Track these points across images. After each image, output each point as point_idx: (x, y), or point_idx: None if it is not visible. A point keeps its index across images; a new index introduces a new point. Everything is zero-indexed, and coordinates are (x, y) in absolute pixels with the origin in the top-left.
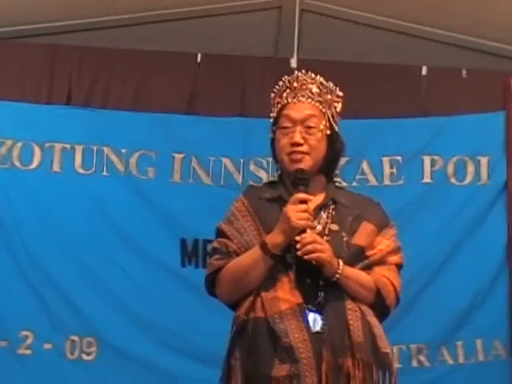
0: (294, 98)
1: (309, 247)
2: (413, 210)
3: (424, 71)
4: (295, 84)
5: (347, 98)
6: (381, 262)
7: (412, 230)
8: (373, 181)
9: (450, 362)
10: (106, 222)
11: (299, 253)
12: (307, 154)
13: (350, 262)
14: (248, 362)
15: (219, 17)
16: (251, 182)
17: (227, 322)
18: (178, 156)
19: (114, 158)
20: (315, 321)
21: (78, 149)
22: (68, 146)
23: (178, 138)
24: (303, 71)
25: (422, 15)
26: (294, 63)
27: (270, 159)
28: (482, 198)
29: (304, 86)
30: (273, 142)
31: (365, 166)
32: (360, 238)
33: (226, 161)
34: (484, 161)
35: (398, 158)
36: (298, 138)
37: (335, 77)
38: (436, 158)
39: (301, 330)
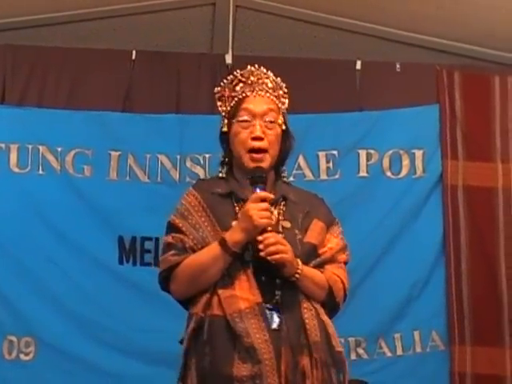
0: (252, 91)
1: (272, 249)
2: (349, 204)
3: (358, 65)
4: (252, 78)
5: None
6: (331, 260)
7: (349, 224)
8: (309, 175)
9: (389, 354)
10: (42, 220)
11: (262, 254)
12: (266, 151)
13: (304, 261)
14: (205, 361)
15: (154, 14)
16: (188, 179)
17: (165, 320)
18: (115, 154)
19: (49, 156)
20: (272, 319)
21: (13, 148)
22: (3, 145)
23: (113, 135)
24: (256, 66)
25: (355, 10)
26: (229, 59)
27: (207, 155)
28: (417, 191)
29: (260, 81)
30: (224, 135)
31: (301, 160)
32: (312, 236)
33: (162, 158)
34: (419, 154)
35: (334, 152)
36: (259, 132)
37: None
38: (371, 151)
39: (261, 329)
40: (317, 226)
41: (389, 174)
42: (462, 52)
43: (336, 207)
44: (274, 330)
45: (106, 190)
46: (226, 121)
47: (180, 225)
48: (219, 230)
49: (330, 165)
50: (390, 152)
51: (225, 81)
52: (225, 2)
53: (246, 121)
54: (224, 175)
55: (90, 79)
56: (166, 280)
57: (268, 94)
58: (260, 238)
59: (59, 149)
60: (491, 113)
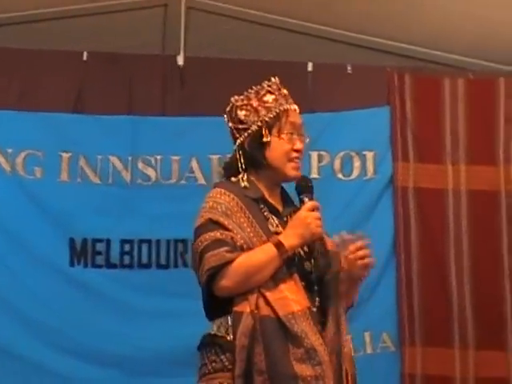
0: (290, 104)
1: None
2: None
3: (310, 67)
4: (284, 91)
5: (234, 95)
6: None
7: None
8: None
9: None
10: None
11: (361, 262)
12: (301, 160)
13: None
14: (262, 359)
15: (106, 15)
16: (140, 180)
17: (116, 322)
18: (66, 155)
19: None
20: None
21: None
22: None
23: (65, 137)
24: (277, 78)
25: (307, 12)
26: (180, 61)
27: (159, 157)
28: (368, 193)
29: (288, 94)
30: (257, 144)
31: None
32: (329, 244)
33: (113, 159)
34: (370, 155)
35: None
36: (300, 146)
37: (222, 74)
38: (323, 153)
39: (315, 333)
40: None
41: (340, 175)
42: (413, 54)
43: None
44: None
45: (57, 191)
46: (266, 131)
47: (226, 222)
48: (260, 232)
49: None
50: (342, 154)
51: (249, 90)
52: (176, 4)
53: (291, 133)
54: (247, 184)
55: (41, 80)
56: (212, 276)
57: (297, 108)
58: (353, 248)
59: (9, 150)
60: (441, 115)
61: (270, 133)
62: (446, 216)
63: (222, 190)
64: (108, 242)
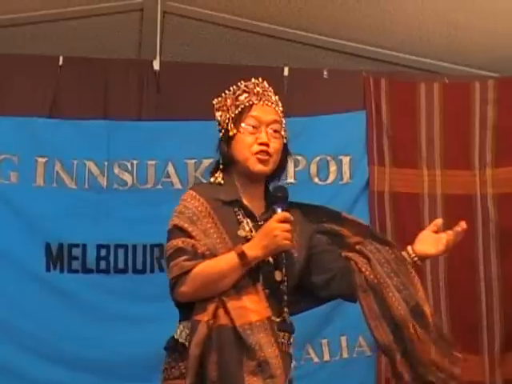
0: (259, 100)
1: None
2: None
3: (286, 72)
4: (257, 89)
5: (210, 100)
6: None
7: None
8: None
9: (316, 359)
10: None
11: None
12: (271, 156)
13: None
14: (214, 369)
15: (82, 19)
16: (116, 185)
17: (92, 327)
18: (41, 160)
19: None
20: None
21: None
22: None
23: (40, 141)
24: (260, 79)
25: (283, 17)
26: (156, 65)
27: (135, 162)
28: (344, 197)
29: (265, 92)
30: (228, 139)
31: None
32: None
33: (89, 164)
34: (346, 160)
35: None
36: (265, 139)
37: (198, 79)
38: (299, 158)
39: (271, 344)
40: None
41: (316, 180)
42: (389, 59)
43: None
44: (282, 343)
45: (33, 196)
46: (231, 125)
47: (190, 229)
48: (226, 238)
49: None
50: (318, 158)
51: (227, 92)
52: (152, 8)
53: (253, 126)
54: (222, 181)
55: (16, 85)
56: (175, 284)
57: (274, 106)
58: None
59: None
60: (417, 119)
61: (235, 127)
62: (421, 220)
63: (194, 194)
64: (84, 246)
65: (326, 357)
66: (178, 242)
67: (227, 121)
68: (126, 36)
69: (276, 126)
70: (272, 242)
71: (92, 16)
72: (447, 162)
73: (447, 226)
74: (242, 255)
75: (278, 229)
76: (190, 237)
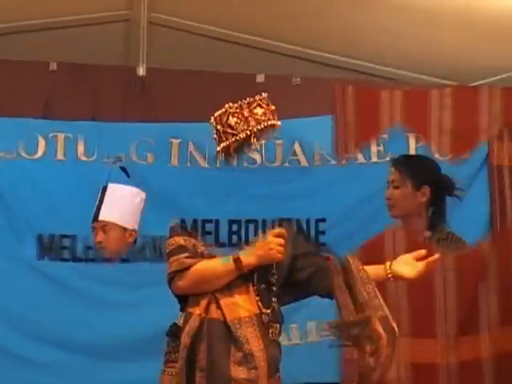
0: (276, 121)
1: None
2: None
3: (259, 79)
4: (272, 107)
5: (192, 104)
6: None
7: None
8: None
9: (284, 343)
10: None
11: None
12: None
13: None
14: (203, 358)
15: (71, 28)
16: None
17: (81, 311)
18: None
19: None
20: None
21: None
22: None
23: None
24: (265, 93)
25: (259, 28)
26: (141, 72)
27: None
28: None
29: (275, 110)
30: (243, 150)
31: None
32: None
33: None
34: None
35: None
36: None
37: (179, 84)
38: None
39: (258, 338)
40: None
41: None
42: (356, 68)
43: None
44: (272, 339)
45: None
46: (254, 140)
47: (191, 230)
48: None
49: None
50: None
51: (244, 101)
52: (138, 19)
53: None
54: None
55: (11, 89)
56: (173, 278)
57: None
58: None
59: None
60: (380, 124)
61: (257, 142)
62: None
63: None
64: (73, 237)
65: (295, 340)
66: (180, 239)
67: (249, 132)
68: (113, 44)
69: None
70: (266, 254)
71: (83, 25)
72: None
73: None
74: (237, 261)
75: (273, 242)
76: (192, 237)
